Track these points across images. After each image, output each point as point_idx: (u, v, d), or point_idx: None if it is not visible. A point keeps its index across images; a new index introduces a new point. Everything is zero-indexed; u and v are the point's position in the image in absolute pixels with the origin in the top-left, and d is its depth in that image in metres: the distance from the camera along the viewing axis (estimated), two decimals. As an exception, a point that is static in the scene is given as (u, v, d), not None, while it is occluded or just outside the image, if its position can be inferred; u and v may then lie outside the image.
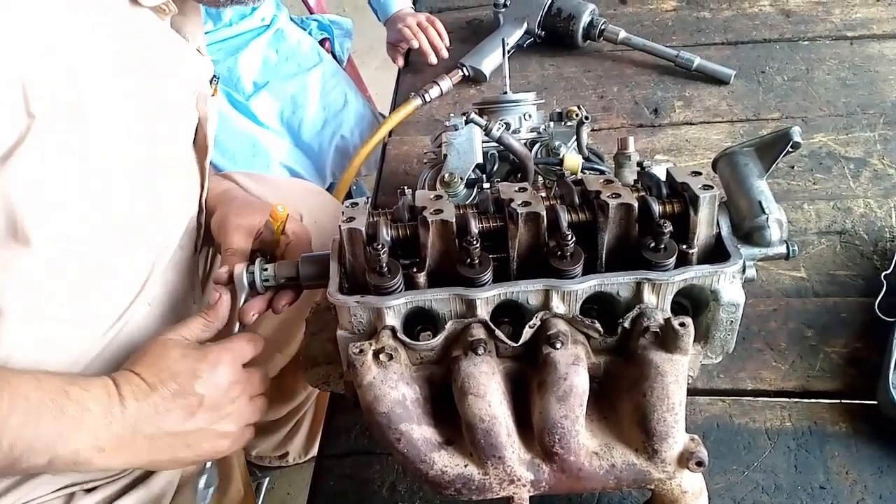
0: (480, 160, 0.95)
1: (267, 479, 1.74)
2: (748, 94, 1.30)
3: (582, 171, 0.92)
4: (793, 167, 1.15)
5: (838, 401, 0.85)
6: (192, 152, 0.90)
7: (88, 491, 0.83)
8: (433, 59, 1.52)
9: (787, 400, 0.85)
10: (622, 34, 1.39)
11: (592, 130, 1.27)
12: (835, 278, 0.98)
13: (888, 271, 0.92)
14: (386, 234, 0.69)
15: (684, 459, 0.64)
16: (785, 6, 1.49)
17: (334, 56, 1.95)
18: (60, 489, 0.81)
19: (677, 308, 0.69)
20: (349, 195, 1.94)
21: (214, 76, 0.90)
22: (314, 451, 1.57)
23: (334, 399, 0.94)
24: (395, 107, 1.42)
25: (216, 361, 0.73)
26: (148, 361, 0.71)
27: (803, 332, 0.92)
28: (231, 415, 0.75)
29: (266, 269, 0.76)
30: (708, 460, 0.64)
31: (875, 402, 0.82)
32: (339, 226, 0.68)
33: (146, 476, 0.88)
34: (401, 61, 1.60)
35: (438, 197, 0.71)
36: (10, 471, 0.68)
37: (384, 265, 0.65)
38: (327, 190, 1.74)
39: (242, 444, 0.80)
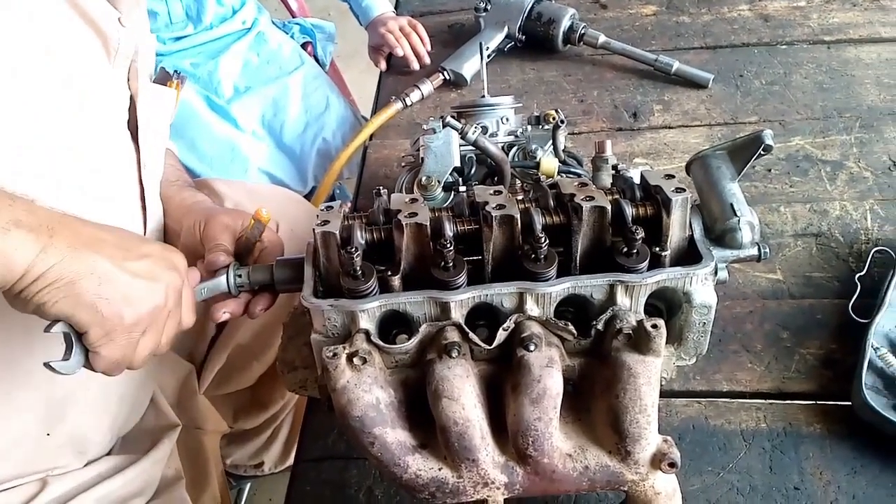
0: (458, 163, 0.95)
1: (248, 486, 1.73)
2: (726, 98, 1.32)
3: (558, 175, 0.92)
4: (770, 170, 1.16)
5: (813, 402, 0.85)
6: (125, 133, 0.87)
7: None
8: (416, 66, 1.52)
9: (762, 401, 0.86)
10: (602, 38, 1.40)
11: (572, 134, 1.28)
12: (810, 280, 0.99)
13: (862, 273, 0.93)
14: (360, 237, 0.69)
15: (657, 461, 0.64)
16: (763, 11, 1.51)
17: (317, 60, 1.94)
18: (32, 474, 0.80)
19: (652, 310, 0.69)
20: (332, 198, 1.94)
21: (176, 72, 0.89)
22: (290, 461, 1.56)
23: (311, 403, 0.93)
24: (376, 110, 1.42)
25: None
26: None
27: (779, 334, 0.93)
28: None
29: (240, 275, 0.75)
30: (682, 462, 0.64)
31: (849, 403, 0.83)
32: (314, 229, 0.68)
33: (124, 467, 0.88)
34: (383, 65, 1.60)
35: (414, 200, 0.71)
36: None
37: (358, 268, 0.65)
38: (309, 193, 1.73)
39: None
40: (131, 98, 0.87)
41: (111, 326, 0.61)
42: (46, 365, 0.60)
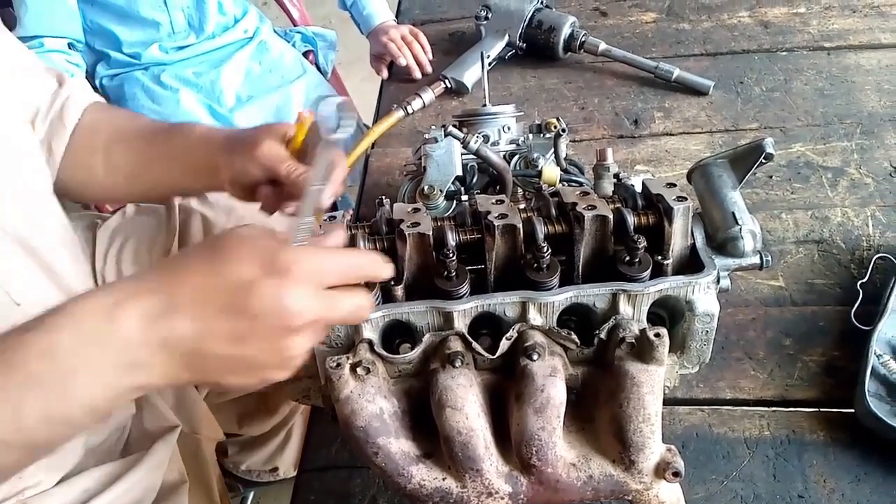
0: (460, 172, 0.95)
1: (252, 494, 1.73)
2: (727, 105, 1.32)
3: (560, 183, 0.92)
4: (771, 177, 1.16)
5: (816, 409, 0.85)
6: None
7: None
8: (418, 75, 1.53)
9: (765, 409, 0.86)
10: (602, 46, 1.40)
11: (573, 141, 1.28)
12: (813, 287, 0.99)
13: (864, 280, 0.93)
14: (363, 247, 0.69)
15: (661, 470, 0.64)
16: (763, 17, 1.51)
17: (319, 68, 1.95)
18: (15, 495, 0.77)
19: (654, 319, 0.69)
20: (334, 206, 1.94)
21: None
22: (306, 466, 1.56)
23: (315, 413, 0.94)
24: (378, 118, 1.42)
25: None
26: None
27: (781, 341, 0.93)
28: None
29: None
30: (686, 470, 0.64)
31: (852, 411, 0.83)
32: (318, 240, 0.68)
33: (121, 475, 0.85)
34: (385, 73, 1.61)
35: (416, 209, 0.71)
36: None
37: (361, 279, 0.65)
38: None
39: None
40: None
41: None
42: None
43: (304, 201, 0.60)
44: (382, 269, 0.58)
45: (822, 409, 0.85)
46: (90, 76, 1.72)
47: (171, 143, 0.90)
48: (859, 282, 0.93)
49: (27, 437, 0.50)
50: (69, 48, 1.53)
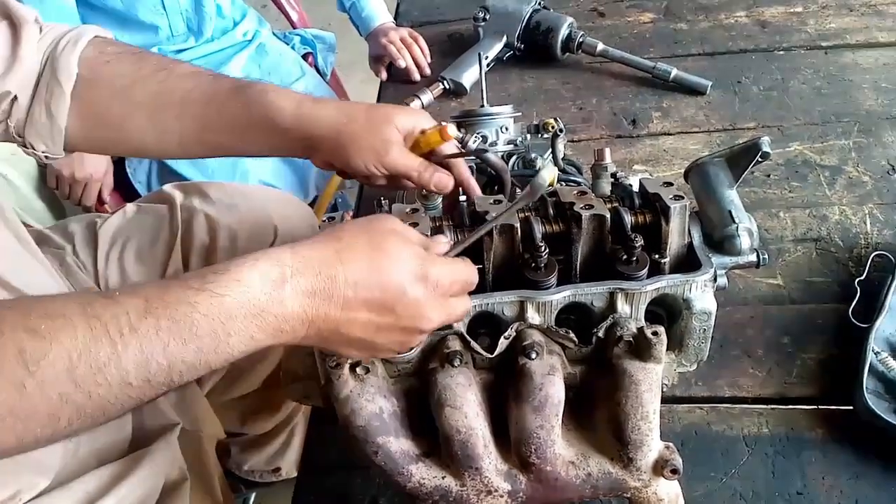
0: (459, 173, 0.95)
1: (254, 494, 1.73)
2: (725, 104, 1.32)
3: (558, 183, 0.92)
4: (769, 175, 1.17)
5: (815, 407, 0.85)
6: None
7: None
8: (417, 77, 1.53)
9: (764, 406, 0.86)
10: (600, 46, 1.41)
11: (571, 141, 1.29)
12: (811, 285, 0.99)
13: (861, 277, 0.93)
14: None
15: (659, 467, 0.64)
16: (760, 17, 1.52)
17: (318, 70, 1.96)
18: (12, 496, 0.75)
19: (652, 317, 0.70)
20: (334, 207, 1.94)
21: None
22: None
23: (315, 413, 0.94)
24: (376, 120, 1.43)
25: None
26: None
27: (780, 339, 0.93)
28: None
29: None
30: (685, 468, 0.65)
31: (850, 408, 0.83)
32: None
33: (122, 476, 0.84)
34: (384, 74, 1.61)
35: (415, 210, 0.72)
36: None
37: (360, 279, 0.65)
38: (311, 203, 1.74)
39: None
40: None
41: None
42: None
43: (479, 231, 0.65)
44: (475, 279, 0.64)
45: (820, 407, 0.85)
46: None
47: (245, 116, 0.81)
48: (857, 279, 0.93)
49: (170, 379, 0.52)
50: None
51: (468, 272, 0.63)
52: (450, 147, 0.82)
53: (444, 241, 0.65)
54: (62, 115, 0.79)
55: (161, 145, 0.85)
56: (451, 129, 0.78)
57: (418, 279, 0.58)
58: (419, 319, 0.58)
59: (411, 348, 0.65)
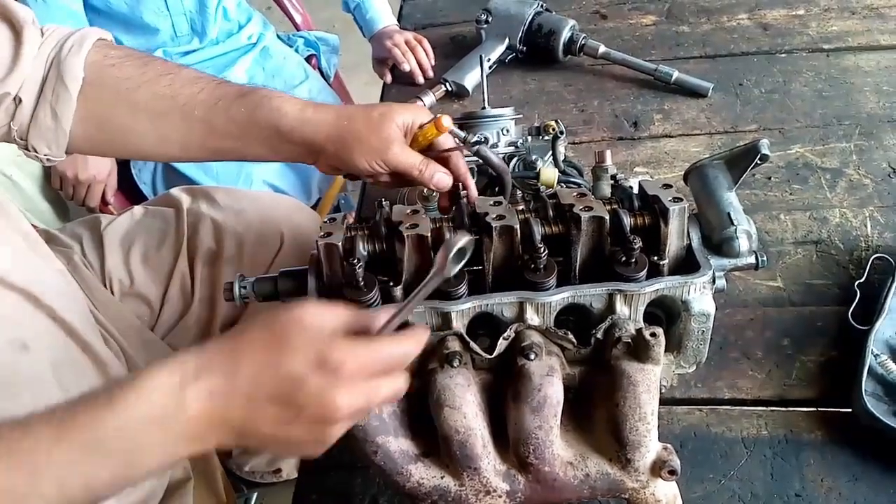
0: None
1: (255, 495, 1.73)
2: (726, 107, 1.32)
3: (558, 185, 0.93)
4: (770, 178, 1.17)
5: (814, 409, 0.86)
6: None
7: None
8: (420, 80, 1.54)
9: (763, 408, 0.86)
10: (602, 49, 1.41)
11: (573, 143, 1.29)
12: (811, 288, 0.99)
13: (861, 280, 0.94)
14: (362, 248, 0.70)
15: (657, 468, 0.65)
16: (762, 20, 1.52)
17: (321, 72, 1.96)
18: None
19: (651, 318, 0.70)
20: (337, 209, 1.95)
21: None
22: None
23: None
24: (379, 122, 1.43)
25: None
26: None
27: (780, 341, 0.93)
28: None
29: (244, 287, 0.76)
30: (684, 469, 0.65)
31: (850, 410, 0.83)
32: (317, 241, 0.69)
33: None
34: (388, 77, 1.62)
35: (415, 211, 0.72)
36: None
37: (360, 279, 0.66)
38: (314, 205, 1.75)
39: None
40: None
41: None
42: None
43: (421, 291, 0.59)
44: (412, 351, 0.59)
45: (819, 409, 0.85)
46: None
47: (249, 120, 0.81)
48: (857, 282, 0.93)
49: (92, 497, 0.54)
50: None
51: (392, 348, 0.57)
52: (448, 141, 0.82)
53: (382, 315, 0.59)
54: (67, 118, 0.80)
55: (163, 149, 0.86)
56: (446, 121, 0.78)
57: (316, 367, 0.54)
58: (326, 408, 0.55)
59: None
